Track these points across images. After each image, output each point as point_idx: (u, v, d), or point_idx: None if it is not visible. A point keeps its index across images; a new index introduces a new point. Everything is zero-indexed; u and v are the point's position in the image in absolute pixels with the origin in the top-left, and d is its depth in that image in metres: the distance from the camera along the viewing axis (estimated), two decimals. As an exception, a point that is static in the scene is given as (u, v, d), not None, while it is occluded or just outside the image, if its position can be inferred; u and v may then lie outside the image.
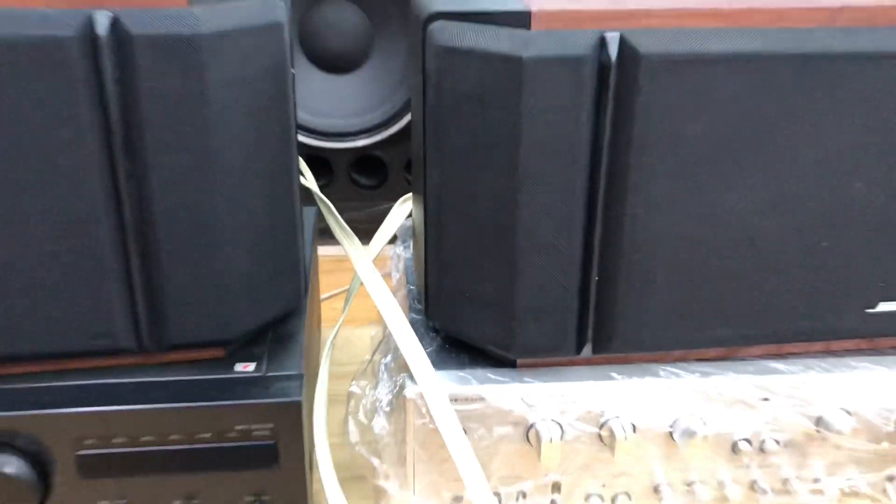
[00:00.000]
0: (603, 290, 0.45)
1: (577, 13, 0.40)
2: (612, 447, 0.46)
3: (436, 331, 0.50)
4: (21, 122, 0.38)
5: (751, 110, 0.42)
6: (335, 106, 0.90)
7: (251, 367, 0.45)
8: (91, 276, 0.41)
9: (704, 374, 0.47)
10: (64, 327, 0.42)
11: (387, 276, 0.58)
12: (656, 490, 0.49)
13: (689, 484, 0.49)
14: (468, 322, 0.47)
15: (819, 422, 0.48)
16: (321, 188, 0.87)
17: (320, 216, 0.61)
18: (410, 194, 0.59)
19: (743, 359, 0.49)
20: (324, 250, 0.72)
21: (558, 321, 0.45)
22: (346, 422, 0.49)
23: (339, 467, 0.46)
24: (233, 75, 0.40)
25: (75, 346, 0.43)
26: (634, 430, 0.47)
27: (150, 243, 0.41)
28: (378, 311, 0.48)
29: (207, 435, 0.43)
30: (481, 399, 0.46)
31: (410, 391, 0.45)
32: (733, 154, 0.42)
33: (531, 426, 0.46)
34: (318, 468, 0.46)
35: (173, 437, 0.42)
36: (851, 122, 0.43)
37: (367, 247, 0.54)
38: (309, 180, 0.59)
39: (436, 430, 0.44)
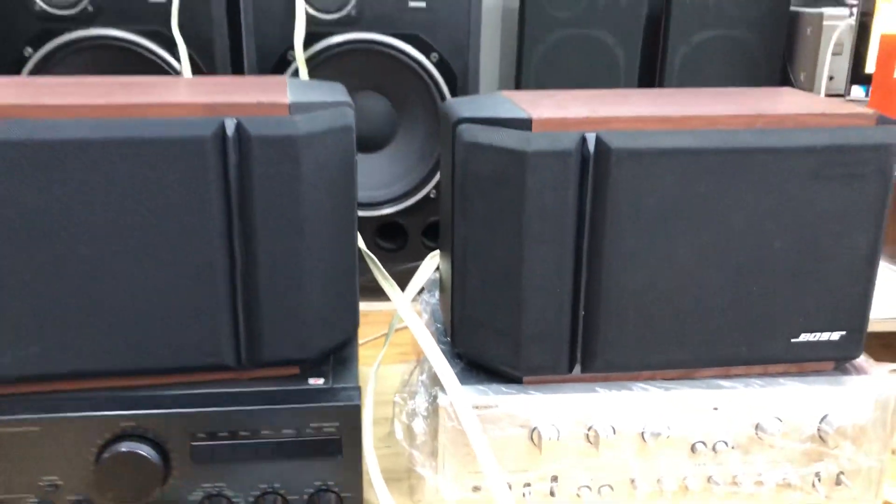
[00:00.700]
0: (588, 322, 0.55)
1: (565, 119, 0.52)
2: (597, 445, 0.56)
3: (459, 356, 0.60)
4: (169, 195, 0.50)
5: (693, 188, 0.52)
6: (363, 180, 0.99)
7: (321, 381, 0.57)
8: (207, 308, 0.53)
9: (667, 389, 0.56)
10: (183, 347, 0.53)
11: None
12: (633, 482, 0.58)
13: (659, 480, 0.58)
14: (485, 348, 0.57)
15: (758, 427, 0.57)
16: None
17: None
18: (437, 251, 0.69)
19: (698, 378, 0.58)
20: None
21: (554, 346, 0.55)
22: (392, 422, 0.59)
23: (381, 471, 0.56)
24: (318, 163, 0.52)
25: (191, 362, 0.54)
26: (614, 432, 0.56)
27: (253, 284, 0.53)
28: (413, 342, 0.59)
29: (290, 431, 0.54)
30: (496, 407, 0.55)
31: (442, 400, 0.55)
32: (680, 220, 0.53)
33: (534, 428, 0.56)
34: (366, 468, 0.56)
35: (264, 432, 0.54)
36: (766, 199, 0.53)
37: (404, 292, 0.65)
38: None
39: (461, 431, 0.54)
